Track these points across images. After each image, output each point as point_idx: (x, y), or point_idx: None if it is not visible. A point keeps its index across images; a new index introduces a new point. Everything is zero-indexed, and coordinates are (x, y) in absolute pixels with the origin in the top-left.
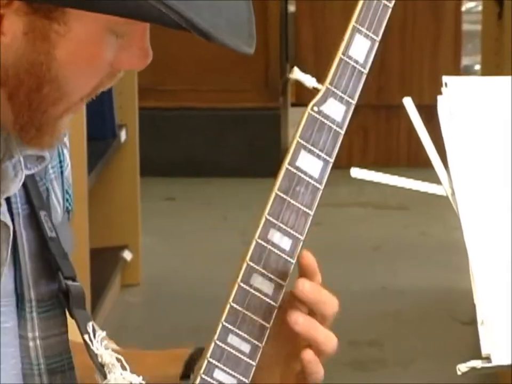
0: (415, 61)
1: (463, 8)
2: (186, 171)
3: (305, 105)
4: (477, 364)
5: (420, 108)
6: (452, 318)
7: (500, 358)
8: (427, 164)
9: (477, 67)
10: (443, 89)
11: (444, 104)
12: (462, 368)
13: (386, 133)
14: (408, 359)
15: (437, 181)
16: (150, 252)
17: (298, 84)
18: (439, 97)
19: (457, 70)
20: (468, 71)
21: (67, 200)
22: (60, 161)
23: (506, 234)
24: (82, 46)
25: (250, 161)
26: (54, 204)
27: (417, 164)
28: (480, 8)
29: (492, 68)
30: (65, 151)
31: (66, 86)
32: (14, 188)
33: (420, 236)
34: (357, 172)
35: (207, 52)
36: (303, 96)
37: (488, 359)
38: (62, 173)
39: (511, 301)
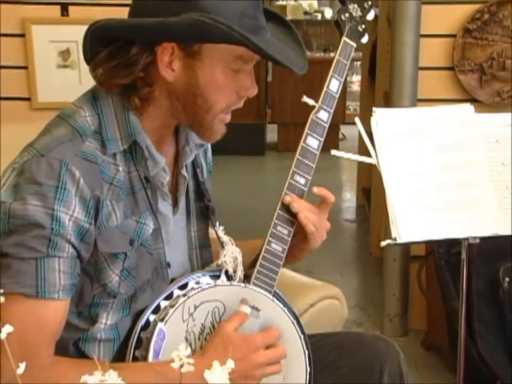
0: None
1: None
2: (220, 152)
3: (275, 123)
4: (390, 241)
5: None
6: (343, 219)
7: (400, 240)
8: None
9: (351, 108)
10: (373, 113)
11: (374, 122)
12: (383, 243)
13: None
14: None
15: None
16: None
17: (273, 112)
18: (371, 118)
19: (343, 108)
20: (348, 109)
21: (209, 167)
22: (205, 149)
23: (404, 181)
24: (213, 75)
25: (250, 148)
26: (203, 169)
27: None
28: (354, 79)
29: (366, 110)
30: (208, 144)
31: (209, 100)
32: (189, 161)
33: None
34: (335, 152)
35: None
36: (274, 118)
37: (395, 239)
38: (206, 154)
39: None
